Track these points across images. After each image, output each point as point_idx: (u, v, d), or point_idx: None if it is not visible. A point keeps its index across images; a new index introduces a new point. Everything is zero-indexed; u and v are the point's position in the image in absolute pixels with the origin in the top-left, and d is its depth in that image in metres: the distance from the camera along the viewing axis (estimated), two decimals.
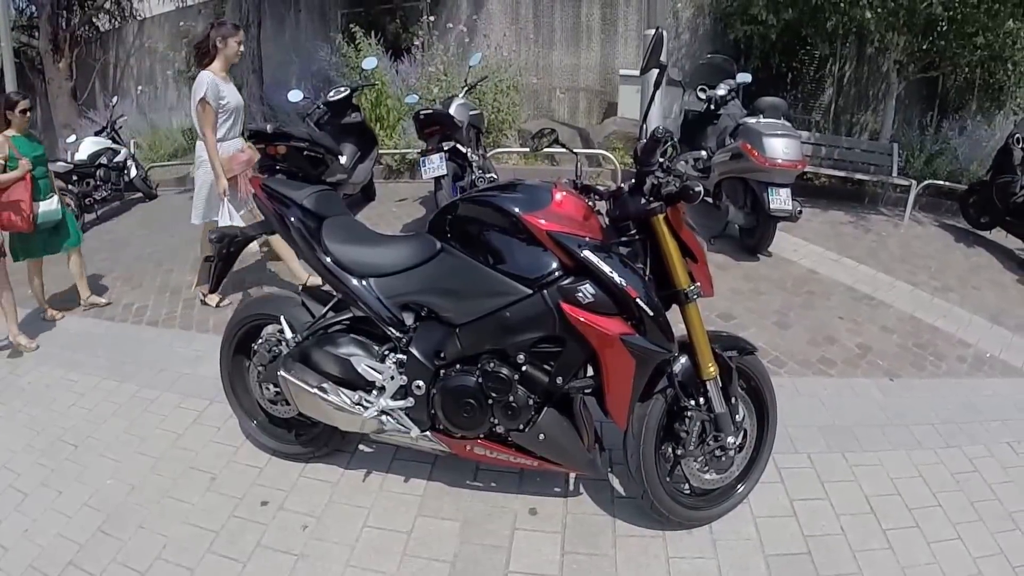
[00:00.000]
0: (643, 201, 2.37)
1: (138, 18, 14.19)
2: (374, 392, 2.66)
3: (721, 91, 6.45)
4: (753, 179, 5.40)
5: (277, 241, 4.57)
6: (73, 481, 3.10)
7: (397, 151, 8.29)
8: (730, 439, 2.55)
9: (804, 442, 3.24)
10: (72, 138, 8.91)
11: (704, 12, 9.50)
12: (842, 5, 7.30)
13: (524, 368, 2.46)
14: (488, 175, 5.95)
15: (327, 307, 2.83)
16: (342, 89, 6.69)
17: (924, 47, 7.62)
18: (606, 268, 2.29)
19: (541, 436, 2.51)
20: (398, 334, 2.61)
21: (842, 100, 9.55)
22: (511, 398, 2.45)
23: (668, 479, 2.60)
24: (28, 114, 4.80)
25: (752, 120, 5.63)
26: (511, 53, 9.54)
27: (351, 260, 2.67)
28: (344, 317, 2.77)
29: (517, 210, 2.37)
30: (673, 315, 2.43)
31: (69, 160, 7.92)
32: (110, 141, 8.63)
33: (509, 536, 2.64)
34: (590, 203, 2.49)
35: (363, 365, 2.63)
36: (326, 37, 10.18)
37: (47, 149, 5.05)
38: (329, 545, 2.62)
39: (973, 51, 7.47)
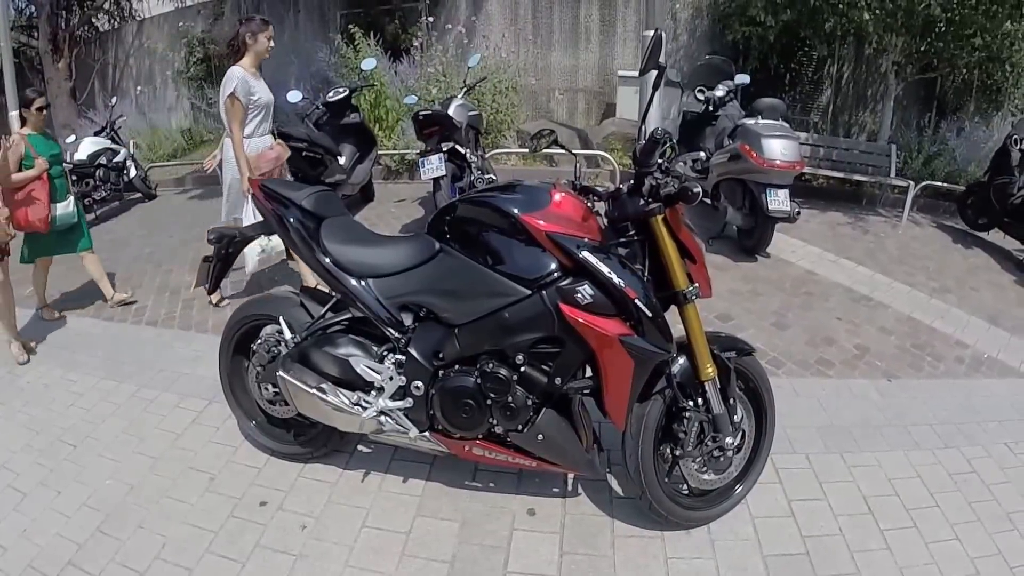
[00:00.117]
0: (642, 202, 2.37)
1: (137, 18, 14.17)
2: (373, 392, 2.66)
3: (719, 92, 6.46)
4: (751, 180, 5.41)
5: None
6: (72, 481, 3.10)
7: (396, 152, 8.30)
8: (728, 440, 2.56)
9: (802, 443, 3.24)
10: (71, 138, 8.89)
11: (702, 13, 9.52)
12: (840, 6, 7.31)
13: (523, 369, 2.46)
14: (487, 176, 5.95)
15: (326, 307, 2.84)
16: (341, 90, 6.70)
17: (922, 48, 7.63)
18: (605, 269, 2.30)
19: (540, 437, 2.52)
20: (397, 335, 2.61)
21: (840, 101, 9.57)
22: (510, 399, 2.45)
23: (666, 480, 2.61)
24: (44, 112, 4.76)
25: (750, 121, 5.64)
26: (510, 54, 9.55)
27: (350, 260, 2.67)
28: (343, 317, 2.77)
29: (516, 211, 2.37)
30: (672, 316, 2.44)
31: (68, 160, 7.90)
32: (109, 141, 8.64)
33: (508, 536, 2.65)
34: (589, 204, 2.49)
35: (362, 365, 2.64)
36: (325, 38, 10.19)
37: None
38: (328, 545, 2.62)
39: (971, 52, 7.48)
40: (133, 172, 8.68)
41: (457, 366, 2.55)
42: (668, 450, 2.58)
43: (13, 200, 4.47)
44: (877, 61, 8.86)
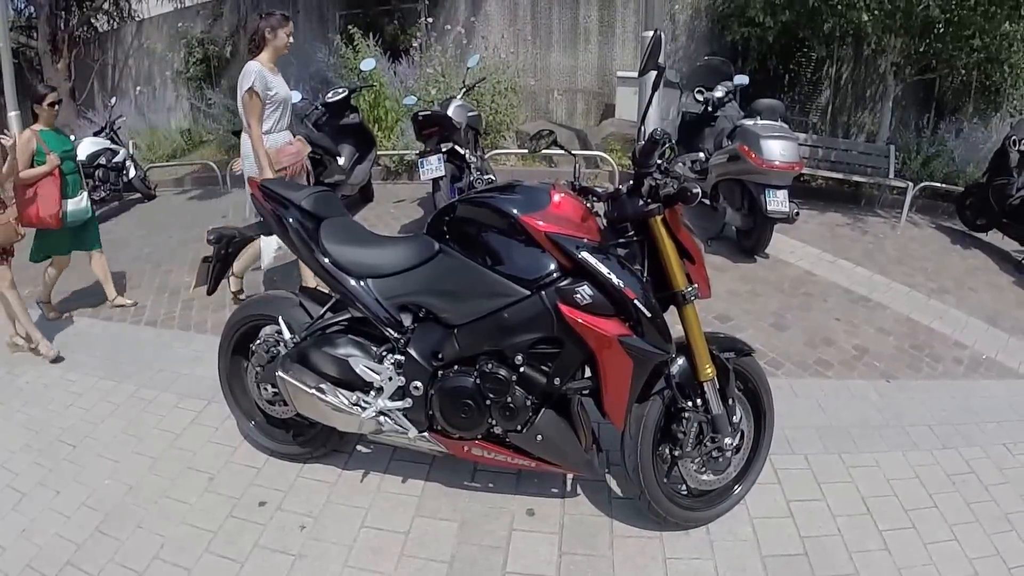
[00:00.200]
0: (641, 202, 2.37)
1: (136, 19, 14.16)
2: (372, 393, 2.66)
3: (718, 93, 6.46)
4: (750, 181, 5.42)
5: None
6: (71, 481, 3.10)
7: (395, 152, 8.30)
8: (727, 440, 2.56)
9: (801, 443, 3.25)
10: (71, 138, 8.88)
11: (701, 14, 9.53)
12: (839, 7, 7.33)
13: (522, 369, 2.46)
14: (486, 176, 5.95)
15: (325, 308, 2.84)
16: (340, 90, 6.69)
17: (921, 49, 7.64)
18: (604, 269, 2.30)
19: (539, 437, 2.52)
20: (396, 335, 2.61)
21: (839, 102, 9.58)
22: (509, 399, 2.46)
23: (665, 480, 2.61)
24: (57, 108, 4.73)
25: (749, 122, 5.64)
26: (509, 55, 9.55)
27: (349, 261, 2.67)
28: (342, 318, 2.77)
29: (515, 211, 2.38)
30: (671, 316, 2.44)
31: None
32: (109, 142, 8.63)
33: (507, 537, 2.65)
34: (588, 204, 2.49)
35: (361, 366, 2.64)
36: (324, 38, 10.18)
37: None
38: (327, 545, 2.62)
39: (970, 53, 7.50)
40: (132, 172, 8.68)
41: (456, 366, 2.55)
42: (667, 450, 2.58)
43: (24, 196, 4.46)
44: (876, 62, 8.87)
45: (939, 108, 9.27)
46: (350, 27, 9.17)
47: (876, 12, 7.20)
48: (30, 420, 3.65)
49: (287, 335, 2.82)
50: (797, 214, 5.40)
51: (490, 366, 2.47)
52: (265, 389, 3.04)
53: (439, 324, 2.56)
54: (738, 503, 2.77)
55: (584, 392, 2.54)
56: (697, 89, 6.67)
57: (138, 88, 13.84)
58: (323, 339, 2.74)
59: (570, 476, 2.95)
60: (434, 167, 5.46)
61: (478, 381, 2.48)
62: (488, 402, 2.48)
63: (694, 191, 2.28)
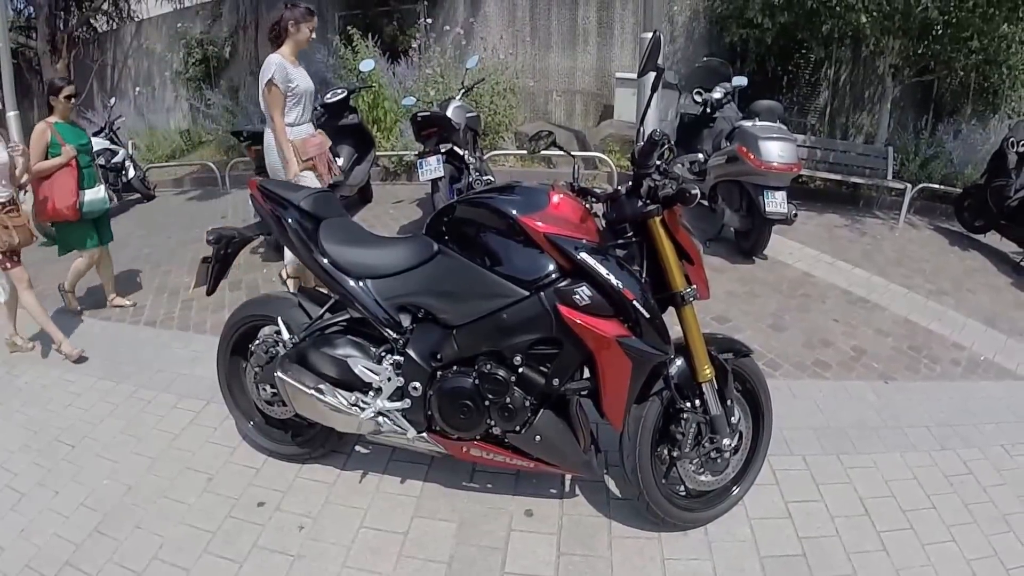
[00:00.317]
0: (640, 203, 2.38)
1: (136, 19, 14.16)
2: (371, 393, 2.66)
3: (717, 94, 6.47)
4: (749, 182, 5.43)
5: None
6: (70, 481, 3.10)
7: (394, 153, 8.30)
8: (726, 441, 2.56)
9: (799, 444, 3.25)
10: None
11: (700, 16, 9.53)
12: (837, 9, 7.33)
13: (521, 370, 2.46)
14: (485, 177, 5.96)
15: (324, 308, 2.84)
16: (339, 91, 6.69)
17: (919, 51, 7.66)
18: (603, 270, 2.30)
19: (537, 438, 2.52)
20: (395, 335, 2.61)
21: (837, 103, 9.59)
22: (508, 400, 2.46)
23: (664, 481, 2.61)
24: (73, 100, 4.71)
25: (748, 123, 5.65)
26: (508, 56, 9.56)
27: (348, 261, 2.67)
28: (341, 318, 2.78)
29: (514, 212, 2.38)
30: (669, 317, 2.44)
31: None
32: (108, 142, 8.63)
33: (505, 537, 2.65)
34: (587, 205, 2.50)
35: (360, 366, 2.64)
36: (323, 39, 10.14)
37: None
38: (325, 546, 2.63)
39: (968, 55, 7.52)
40: (132, 173, 8.68)
41: (455, 367, 2.55)
42: (665, 451, 2.59)
43: (40, 188, 4.46)
44: (874, 64, 8.88)
45: (937, 110, 9.28)
46: (349, 28, 9.18)
47: (874, 14, 7.21)
48: (29, 420, 3.65)
49: (286, 335, 2.82)
50: (795, 215, 5.41)
51: (489, 367, 2.47)
52: (264, 389, 3.04)
53: (438, 325, 2.56)
54: (736, 504, 2.77)
55: (583, 393, 2.54)
56: (696, 90, 6.67)
57: (137, 88, 13.84)
58: (322, 340, 2.74)
59: (568, 477, 2.96)
60: (433, 168, 5.46)
61: (477, 382, 2.48)
62: (487, 403, 2.48)
63: (693, 192, 2.28)
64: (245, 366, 3.12)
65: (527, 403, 2.48)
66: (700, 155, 2.61)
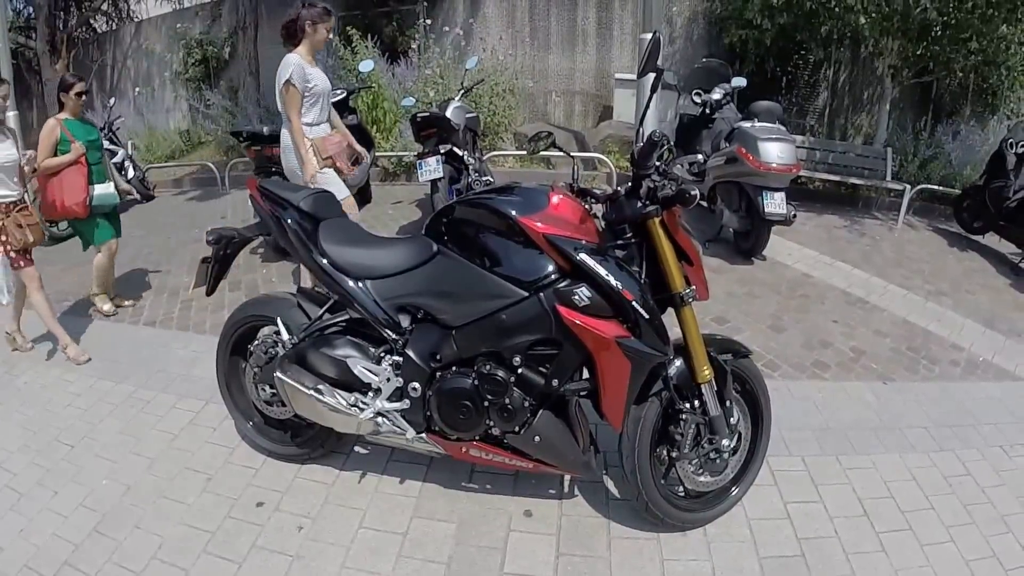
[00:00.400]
0: (639, 204, 2.38)
1: (135, 20, 14.16)
2: (370, 394, 2.66)
3: (716, 95, 6.47)
4: (748, 183, 5.43)
5: None
6: (69, 481, 3.10)
7: (394, 154, 8.31)
8: (725, 442, 2.57)
9: (798, 445, 3.25)
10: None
11: (699, 17, 9.55)
12: (836, 10, 7.34)
13: (520, 370, 2.47)
14: (484, 178, 5.96)
15: (323, 309, 2.84)
16: (339, 91, 6.67)
17: (918, 52, 7.66)
18: (602, 271, 2.30)
19: (536, 438, 2.52)
20: (394, 336, 2.61)
21: (836, 104, 9.59)
22: (507, 400, 2.46)
23: (663, 481, 2.61)
24: (83, 97, 4.68)
25: (747, 124, 5.65)
26: (507, 56, 9.57)
27: (347, 262, 2.67)
28: (340, 319, 2.78)
29: (514, 213, 2.38)
30: (668, 318, 2.44)
31: None
32: (107, 142, 8.60)
33: (504, 538, 2.65)
34: (586, 206, 2.50)
35: (359, 367, 2.64)
36: None
37: None
38: (324, 546, 2.63)
39: (967, 56, 7.53)
40: (131, 173, 8.66)
41: (454, 368, 2.55)
42: (664, 452, 2.59)
43: (49, 185, 4.44)
44: (873, 65, 8.89)
45: (936, 111, 9.29)
46: (349, 28, 9.17)
47: (873, 15, 7.22)
48: (28, 420, 3.64)
49: (285, 336, 2.82)
50: (794, 216, 5.41)
51: (488, 367, 2.47)
52: (263, 390, 3.04)
53: (437, 325, 2.57)
54: (735, 504, 2.77)
55: (582, 393, 2.54)
56: (695, 91, 6.67)
57: (137, 89, 13.83)
58: (321, 340, 2.74)
59: (567, 477, 2.96)
60: (432, 168, 5.46)
61: (476, 382, 2.48)
62: (486, 403, 2.48)
63: (692, 193, 2.28)
64: (244, 366, 3.12)
65: (526, 404, 2.48)
66: (699, 156, 2.61)
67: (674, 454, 2.57)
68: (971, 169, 7.77)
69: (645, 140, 2.40)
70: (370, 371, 2.63)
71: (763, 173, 5.24)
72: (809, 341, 4.37)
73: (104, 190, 4.70)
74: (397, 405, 2.63)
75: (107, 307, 5.00)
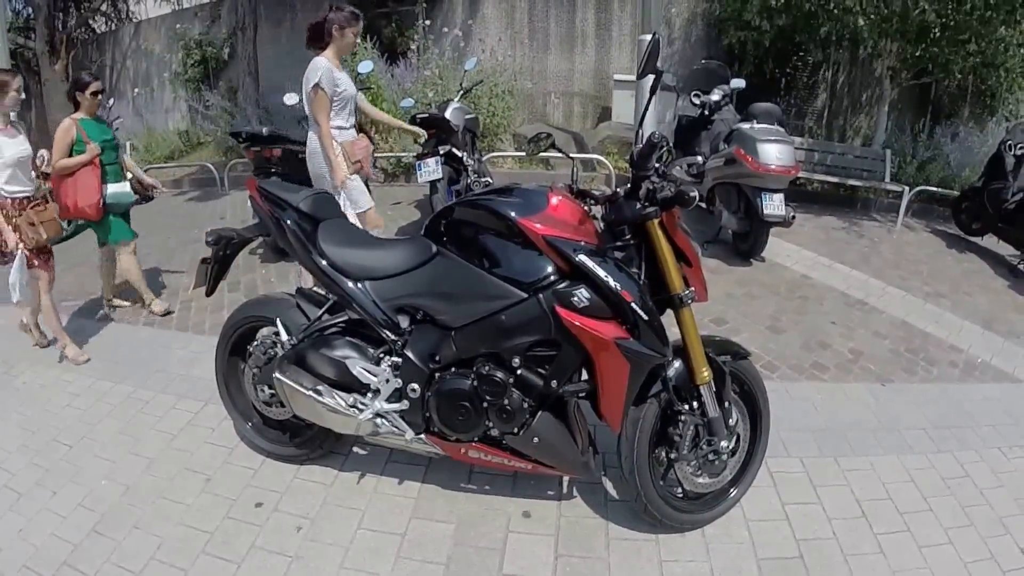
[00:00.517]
0: (638, 206, 2.38)
1: (134, 20, 14.16)
2: (369, 395, 2.67)
3: (715, 97, 6.46)
4: (747, 184, 5.44)
5: None
6: (68, 481, 3.10)
7: (392, 154, 8.31)
8: (723, 443, 2.57)
9: (797, 446, 3.26)
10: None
11: (698, 18, 9.55)
12: (835, 11, 7.35)
13: (519, 371, 2.47)
14: (483, 179, 5.96)
15: (322, 310, 2.84)
16: None
17: (917, 54, 7.66)
18: (601, 272, 2.31)
19: (535, 439, 2.52)
20: (393, 337, 2.61)
21: (835, 106, 9.61)
22: (506, 401, 2.46)
23: (661, 482, 2.62)
24: (99, 96, 4.64)
25: (746, 126, 5.66)
26: (506, 57, 9.57)
27: (347, 263, 2.67)
28: (339, 320, 2.78)
29: (513, 214, 2.38)
30: (667, 319, 2.45)
31: None
32: None
33: (503, 539, 2.66)
34: (585, 207, 2.50)
35: (358, 368, 2.64)
36: None
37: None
38: (323, 547, 2.63)
39: (966, 58, 7.53)
40: (130, 174, 8.66)
41: (453, 369, 2.56)
42: (663, 453, 2.60)
43: (62, 186, 4.40)
44: (872, 66, 8.91)
45: (935, 112, 9.30)
46: None
47: (872, 16, 7.23)
48: (27, 420, 3.64)
49: (284, 337, 2.82)
50: (793, 218, 5.41)
51: (487, 368, 2.47)
52: (262, 390, 3.04)
53: (436, 326, 2.57)
54: (734, 506, 2.78)
55: (581, 394, 2.54)
56: (694, 93, 6.67)
57: (136, 89, 13.83)
58: (320, 341, 2.74)
59: (566, 478, 2.96)
60: (431, 169, 5.46)
61: (475, 383, 2.48)
62: (485, 404, 2.49)
63: (691, 194, 2.28)
64: (243, 367, 3.12)
65: (525, 405, 2.48)
66: (698, 157, 2.61)
67: (673, 455, 2.58)
68: (970, 171, 7.77)
69: (644, 141, 2.40)
70: (369, 372, 2.63)
71: (762, 174, 5.24)
72: (808, 342, 4.37)
73: (119, 189, 4.67)
74: (396, 406, 2.63)
75: (158, 307, 4.97)
